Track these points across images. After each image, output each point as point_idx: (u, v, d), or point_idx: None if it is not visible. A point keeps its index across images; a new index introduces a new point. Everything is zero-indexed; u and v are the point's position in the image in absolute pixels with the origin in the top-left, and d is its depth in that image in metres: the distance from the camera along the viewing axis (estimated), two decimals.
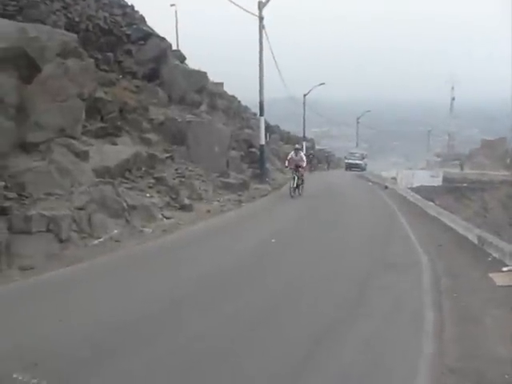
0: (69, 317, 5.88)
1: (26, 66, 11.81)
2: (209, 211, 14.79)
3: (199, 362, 4.90)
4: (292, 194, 19.48)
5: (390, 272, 8.64)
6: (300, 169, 20.05)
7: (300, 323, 6.01)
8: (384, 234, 12.90)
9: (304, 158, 20.89)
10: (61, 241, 9.31)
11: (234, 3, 23.64)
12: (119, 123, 16.06)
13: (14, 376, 4.31)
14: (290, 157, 20.54)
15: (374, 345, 5.49)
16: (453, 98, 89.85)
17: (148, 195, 13.58)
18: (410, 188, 27.04)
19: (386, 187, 26.81)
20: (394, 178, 36.46)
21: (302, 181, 20.26)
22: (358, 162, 52.92)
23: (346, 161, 54.62)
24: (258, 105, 26.34)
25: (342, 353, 5.22)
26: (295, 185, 19.69)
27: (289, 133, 55.44)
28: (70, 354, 4.91)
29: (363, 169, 49.90)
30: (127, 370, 4.65)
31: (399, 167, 52.84)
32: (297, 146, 22.36)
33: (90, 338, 5.30)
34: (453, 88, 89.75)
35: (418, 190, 24.05)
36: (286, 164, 20.79)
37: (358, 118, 74.39)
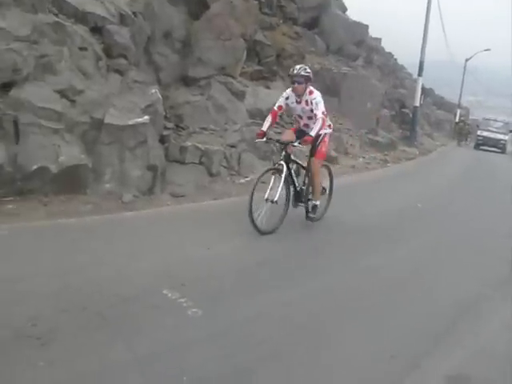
0: (216, 246, 6.03)
1: (195, 2, 12.16)
2: (353, 167, 14.48)
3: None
4: (256, 221, 6.57)
5: None
6: (305, 141, 6.71)
7: (444, 293, 5.60)
8: None
9: (320, 107, 6.87)
10: (211, 174, 9.63)
11: None
12: (275, 68, 16.02)
13: (164, 292, 4.51)
14: (278, 105, 7.33)
15: None
16: None
17: None
18: None
19: None
20: None
21: (310, 181, 7.38)
22: (499, 136, 33.40)
23: (480, 133, 34.13)
24: (418, 64, 24.99)
25: (483, 330, 4.79)
26: (278, 189, 6.75)
27: (443, 98, 52.31)
28: (218, 278, 5.06)
29: (504, 149, 33.37)
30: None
31: None
32: (298, 67, 7.17)
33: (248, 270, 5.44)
34: None
35: None
36: (264, 128, 7.09)
37: None
